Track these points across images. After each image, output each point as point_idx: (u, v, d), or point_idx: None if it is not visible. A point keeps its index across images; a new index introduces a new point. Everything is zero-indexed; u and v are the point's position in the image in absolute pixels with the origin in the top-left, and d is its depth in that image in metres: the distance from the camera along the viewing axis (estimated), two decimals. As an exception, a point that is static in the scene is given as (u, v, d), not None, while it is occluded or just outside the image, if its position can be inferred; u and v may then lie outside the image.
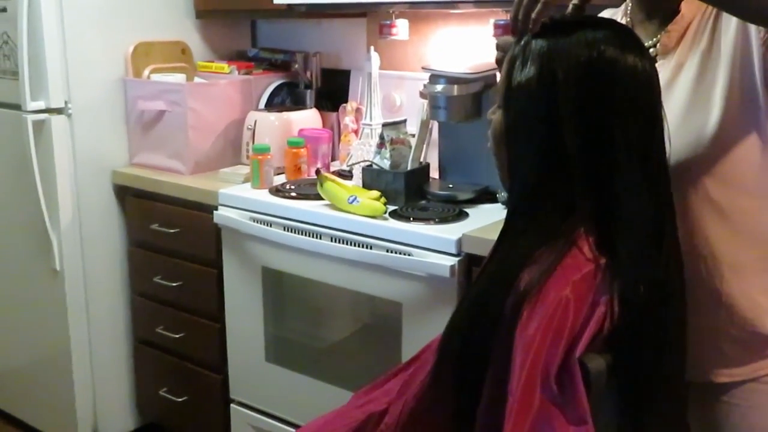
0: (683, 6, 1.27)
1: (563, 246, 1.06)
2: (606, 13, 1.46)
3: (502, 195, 2.16)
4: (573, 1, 1.17)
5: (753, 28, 1.18)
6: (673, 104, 1.24)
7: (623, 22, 1.36)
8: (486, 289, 1.10)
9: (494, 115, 1.19)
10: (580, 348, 1.00)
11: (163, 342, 2.64)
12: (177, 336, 2.59)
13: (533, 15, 1.11)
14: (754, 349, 1.29)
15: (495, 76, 2.26)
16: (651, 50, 1.29)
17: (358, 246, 2.06)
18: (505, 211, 1.20)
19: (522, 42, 1.13)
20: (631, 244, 1.07)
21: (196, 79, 2.73)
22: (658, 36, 1.29)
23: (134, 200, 2.65)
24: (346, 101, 2.77)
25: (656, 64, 1.24)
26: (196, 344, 2.57)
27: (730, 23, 1.21)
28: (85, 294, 2.66)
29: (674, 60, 1.27)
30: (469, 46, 2.53)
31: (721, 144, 1.22)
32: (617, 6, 1.42)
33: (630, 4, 1.37)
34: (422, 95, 2.29)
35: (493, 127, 1.19)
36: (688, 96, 1.24)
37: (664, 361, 1.09)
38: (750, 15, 1.11)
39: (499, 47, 1.24)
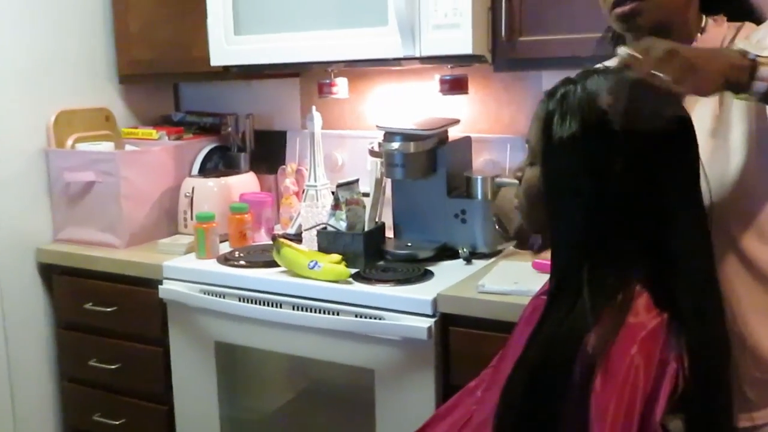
0: None
1: (623, 303, 1.01)
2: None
3: (465, 251, 2.12)
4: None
5: None
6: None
7: None
8: (548, 356, 1.03)
9: (521, 173, 1.14)
10: (659, 411, 0.95)
11: (101, 430, 2.43)
12: (117, 423, 2.39)
13: None
14: (775, 393, 1.27)
15: (447, 132, 2.24)
16: None
17: (325, 313, 1.97)
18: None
19: (557, 95, 1.09)
20: (694, 298, 1.03)
21: (127, 147, 2.58)
22: None
23: (63, 279, 2.46)
24: (282, 163, 2.69)
25: None
26: (140, 430, 2.38)
27: None
28: (9, 383, 2.43)
29: None
30: (410, 101, 2.50)
31: (743, 191, 1.21)
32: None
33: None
34: (373, 153, 2.23)
35: (527, 185, 1.14)
36: (705, 145, 1.23)
37: (731, 414, 1.06)
38: None
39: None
